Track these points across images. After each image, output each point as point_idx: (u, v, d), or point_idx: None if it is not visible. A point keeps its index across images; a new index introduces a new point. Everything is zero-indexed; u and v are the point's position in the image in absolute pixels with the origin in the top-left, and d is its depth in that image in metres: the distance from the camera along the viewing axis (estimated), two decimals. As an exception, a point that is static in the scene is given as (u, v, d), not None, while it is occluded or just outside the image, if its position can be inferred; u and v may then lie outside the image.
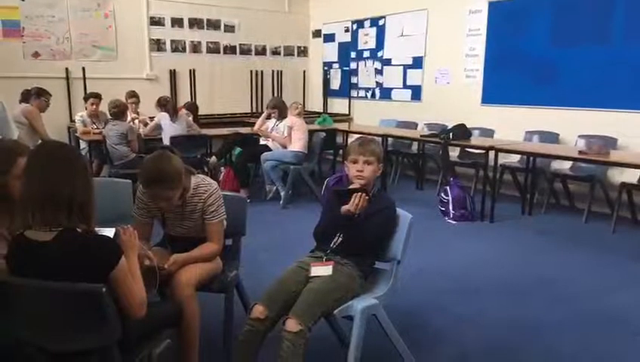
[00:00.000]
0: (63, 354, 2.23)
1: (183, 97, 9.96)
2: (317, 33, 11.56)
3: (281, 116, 7.73)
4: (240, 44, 10.73)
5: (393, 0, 9.62)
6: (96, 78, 9.05)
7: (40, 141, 6.18)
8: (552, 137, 7.23)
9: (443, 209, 6.69)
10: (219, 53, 10.52)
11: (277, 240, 5.68)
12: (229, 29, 10.54)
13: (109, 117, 7.35)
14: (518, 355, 3.43)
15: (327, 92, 11.42)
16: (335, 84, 11.27)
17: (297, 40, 11.51)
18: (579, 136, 6.85)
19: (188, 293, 2.86)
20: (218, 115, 10.35)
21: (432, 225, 6.33)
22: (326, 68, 11.44)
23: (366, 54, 10.41)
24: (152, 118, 8.08)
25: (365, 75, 10.49)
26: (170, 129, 7.52)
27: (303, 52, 11.69)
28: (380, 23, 10.00)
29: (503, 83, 7.94)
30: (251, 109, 10.95)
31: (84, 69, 9.10)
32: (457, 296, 4.34)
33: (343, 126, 9.62)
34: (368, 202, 2.95)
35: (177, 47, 10.05)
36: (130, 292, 2.23)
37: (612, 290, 4.49)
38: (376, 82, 10.26)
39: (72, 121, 8.61)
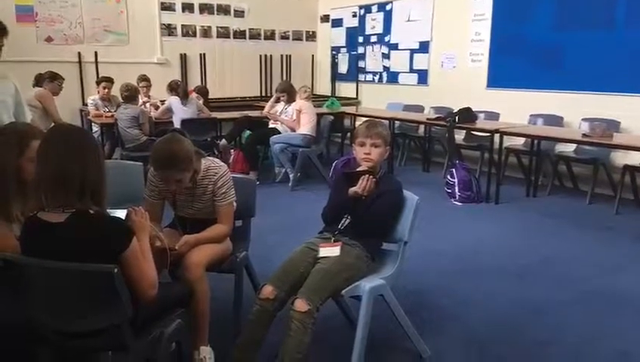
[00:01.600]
0: (75, 334, 2.27)
1: (194, 81, 10.01)
2: (325, 18, 11.59)
3: (290, 100, 7.81)
4: (249, 29, 10.77)
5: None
6: (108, 63, 9.13)
7: (53, 124, 6.24)
8: (556, 120, 7.26)
9: (449, 191, 6.75)
10: (229, 37, 10.58)
11: (286, 222, 5.70)
12: (239, 14, 10.60)
13: (121, 100, 7.42)
14: (523, 334, 3.45)
15: (335, 76, 11.47)
16: (343, 68, 11.32)
17: (306, 25, 11.54)
18: (582, 120, 6.88)
19: (198, 274, 2.87)
20: (228, 98, 10.41)
21: (438, 206, 6.37)
22: (334, 52, 11.48)
23: (373, 39, 10.46)
24: (162, 102, 8.14)
25: (372, 59, 10.55)
26: (180, 112, 7.60)
27: (311, 37, 11.72)
28: (387, 8, 10.04)
29: (507, 67, 7.99)
30: (260, 93, 11.01)
31: (96, 53, 9.19)
32: (463, 276, 4.38)
33: (351, 109, 9.65)
34: (375, 184, 2.97)
35: (188, 31, 10.11)
36: (142, 272, 2.24)
37: (615, 270, 4.53)
38: (384, 66, 10.31)
39: (85, 104, 8.75)
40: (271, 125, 7.91)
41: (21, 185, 2.49)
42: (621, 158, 6.55)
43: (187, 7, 10.04)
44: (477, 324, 3.59)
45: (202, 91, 8.72)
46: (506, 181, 7.18)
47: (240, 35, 10.71)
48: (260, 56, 10.99)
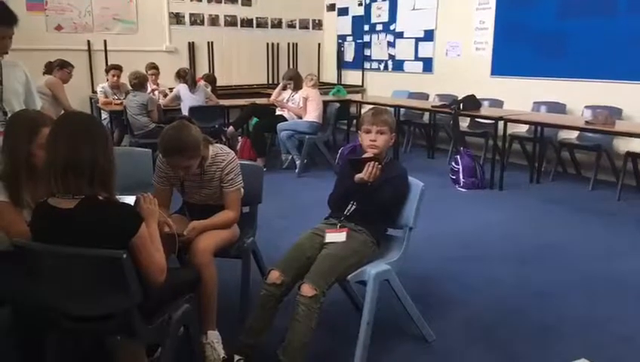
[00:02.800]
0: (85, 318, 2.28)
1: (202, 69, 10.08)
2: (331, 7, 11.63)
3: (297, 87, 7.84)
4: (257, 18, 10.82)
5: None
6: (117, 51, 9.21)
7: (63, 111, 6.32)
8: (559, 108, 7.30)
9: (453, 177, 6.80)
10: (236, 26, 10.63)
11: (292, 208, 5.76)
12: (246, 2, 10.64)
13: (130, 88, 7.49)
14: (527, 319, 3.46)
15: (341, 64, 11.52)
16: (349, 56, 11.37)
17: (312, 13, 11.58)
18: (585, 107, 6.91)
19: (206, 259, 2.88)
20: (235, 86, 10.52)
21: (442, 193, 6.42)
22: (340, 41, 11.53)
23: (379, 27, 10.49)
24: (171, 89, 8.22)
25: (378, 47, 10.59)
26: (189, 100, 7.66)
27: (317, 25, 11.76)
28: (393, -4, 10.10)
29: (511, 55, 8.03)
30: (267, 81, 11.07)
31: (105, 41, 9.27)
32: (467, 261, 4.40)
33: (357, 97, 9.73)
34: (381, 170, 2.96)
35: (196, 20, 10.17)
36: (151, 258, 2.26)
37: (617, 256, 4.55)
38: (389, 54, 10.35)
39: (94, 92, 8.83)
40: (278, 112, 7.95)
41: (31, 172, 2.53)
42: (623, 145, 6.61)
43: (195, -4, 10.13)
44: (481, 309, 3.62)
45: (210, 79, 8.78)
46: (509, 167, 7.20)
47: (247, 23, 10.76)
48: (267, 44, 11.04)
